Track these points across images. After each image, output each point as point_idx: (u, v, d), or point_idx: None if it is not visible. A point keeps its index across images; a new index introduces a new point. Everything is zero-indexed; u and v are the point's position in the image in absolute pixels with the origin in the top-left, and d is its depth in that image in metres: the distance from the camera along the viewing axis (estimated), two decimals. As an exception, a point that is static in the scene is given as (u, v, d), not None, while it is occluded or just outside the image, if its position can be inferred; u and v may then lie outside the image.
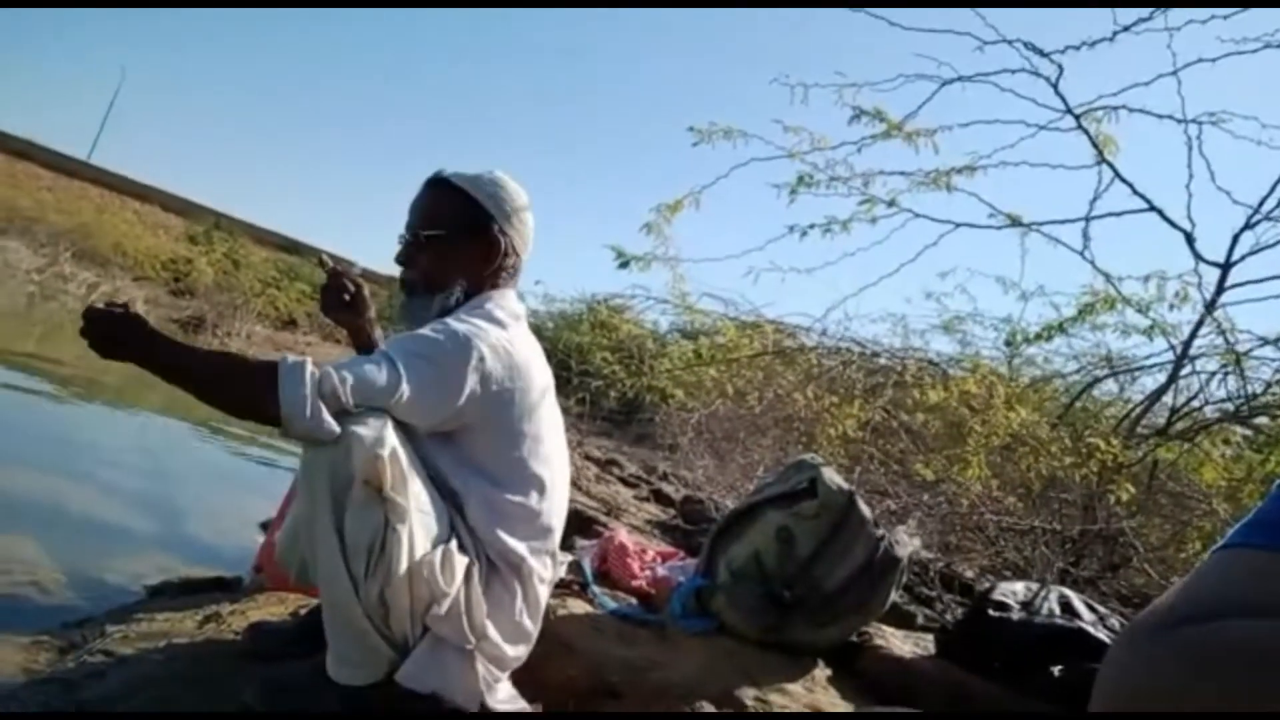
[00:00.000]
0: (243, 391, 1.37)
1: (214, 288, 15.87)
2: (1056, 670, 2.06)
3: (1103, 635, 2.14)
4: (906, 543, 2.27)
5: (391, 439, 1.37)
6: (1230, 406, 4.04)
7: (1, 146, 18.29)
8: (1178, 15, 2.79)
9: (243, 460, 4.94)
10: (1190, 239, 3.41)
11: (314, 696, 1.42)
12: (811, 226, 3.55)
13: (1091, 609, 2.27)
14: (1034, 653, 2.11)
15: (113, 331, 1.38)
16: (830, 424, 4.24)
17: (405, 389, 1.40)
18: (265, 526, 3.08)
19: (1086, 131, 3.24)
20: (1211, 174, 3.19)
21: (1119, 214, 3.41)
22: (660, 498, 5.47)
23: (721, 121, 3.58)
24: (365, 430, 1.34)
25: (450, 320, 1.51)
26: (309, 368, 1.34)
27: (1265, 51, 2.89)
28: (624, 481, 6.17)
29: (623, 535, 2.71)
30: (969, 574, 4.05)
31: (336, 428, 1.33)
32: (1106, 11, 2.81)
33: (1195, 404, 4.23)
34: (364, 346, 1.86)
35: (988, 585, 2.67)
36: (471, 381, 1.46)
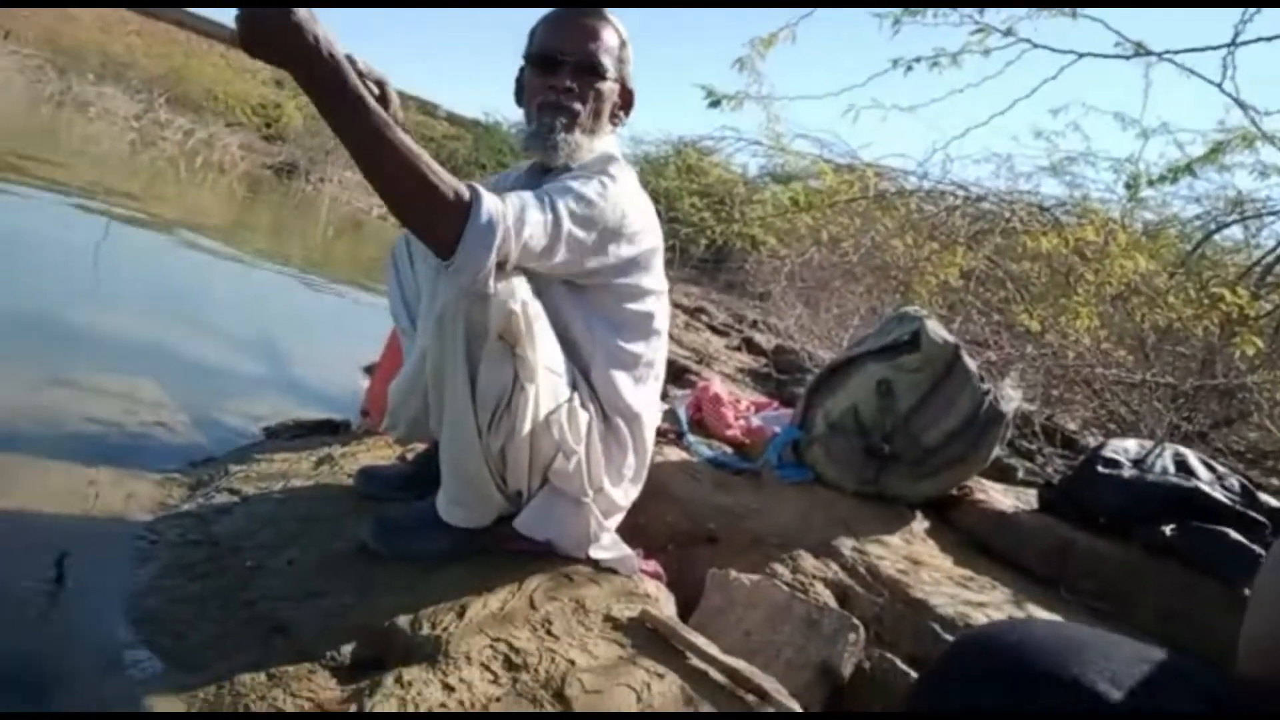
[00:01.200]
0: (422, 219, 1.25)
1: (303, 133, 15.97)
2: (1169, 529, 2.01)
3: (1220, 495, 2.05)
4: (1012, 397, 2.20)
5: (525, 293, 1.35)
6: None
7: (85, -13, 18.32)
8: None
9: (342, 302, 5.08)
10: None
11: (424, 535, 1.48)
12: (918, 60, 3.28)
13: (1209, 467, 2.18)
14: (1144, 511, 2.05)
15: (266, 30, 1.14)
16: (930, 272, 4.08)
17: (561, 251, 1.36)
18: (369, 370, 3.18)
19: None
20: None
21: (1270, 39, 3.03)
22: (751, 346, 5.44)
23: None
24: (502, 284, 1.32)
25: (607, 180, 1.45)
26: (498, 231, 1.26)
27: None
28: (713, 329, 6.15)
29: (717, 385, 2.70)
30: (1072, 427, 3.96)
31: (494, 288, 1.30)
32: None
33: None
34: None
35: (1098, 442, 2.59)
36: (619, 246, 1.44)
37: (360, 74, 1.23)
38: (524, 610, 1.37)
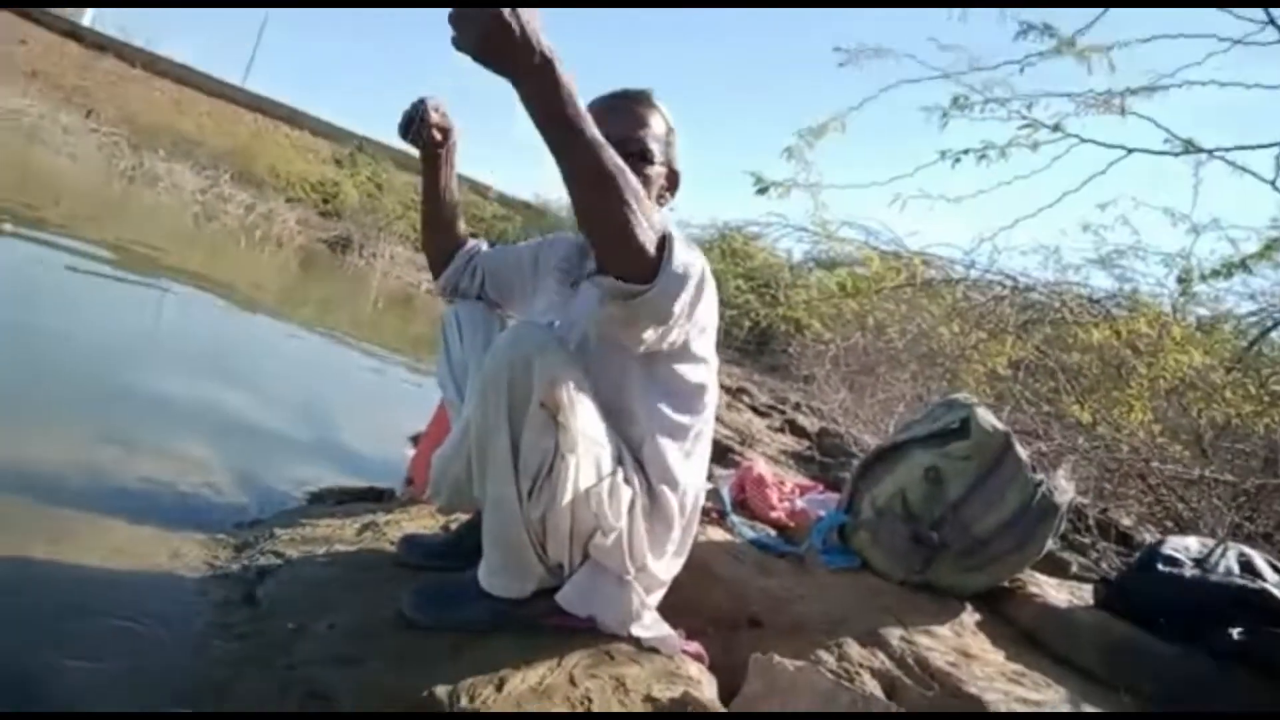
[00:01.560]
0: (623, 243, 1.19)
1: (359, 209, 16.53)
2: (1236, 632, 1.91)
3: (1289, 598, 1.96)
4: (1066, 489, 2.14)
5: (566, 361, 1.36)
6: None
7: (166, 72, 19.39)
8: None
9: (387, 376, 5.15)
10: None
11: (464, 605, 1.46)
12: (966, 152, 3.31)
13: (1276, 569, 2.08)
14: (1208, 611, 1.96)
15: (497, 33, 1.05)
16: (978, 361, 4.04)
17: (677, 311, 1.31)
18: (414, 440, 3.20)
19: (1295, 40, 2.87)
20: None
21: (1326, 137, 3.02)
22: (794, 429, 5.39)
23: (871, 41, 3.36)
24: (545, 351, 1.33)
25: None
26: (691, 279, 1.26)
27: None
28: (755, 410, 6.12)
29: (761, 466, 2.68)
30: (1126, 522, 3.83)
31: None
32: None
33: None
34: (433, 173, 1.77)
35: (1155, 539, 2.50)
36: (696, 311, 1.39)
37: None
38: (564, 686, 1.34)
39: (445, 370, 1.75)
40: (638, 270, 1.22)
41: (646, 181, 1.59)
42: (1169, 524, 3.60)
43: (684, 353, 1.50)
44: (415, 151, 1.77)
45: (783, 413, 6.12)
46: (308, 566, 1.67)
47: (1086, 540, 3.27)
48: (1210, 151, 3.39)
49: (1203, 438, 3.74)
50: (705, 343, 1.54)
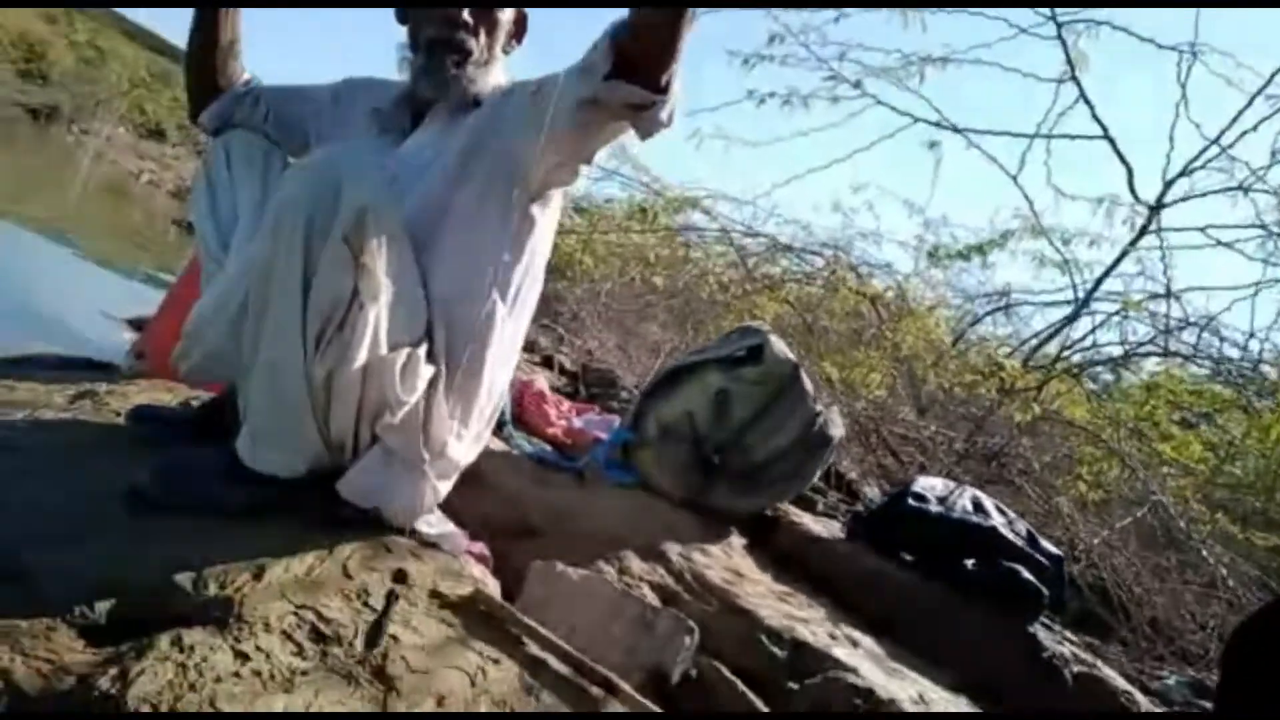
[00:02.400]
0: (675, 57, 1.18)
1: (72, 76, 14.24)
2: (970, 564, 2.08)
3: (1012, 536, 2.16)
4: (839, 424, 2.22)
5: (382, 196, 1.16)
6: (1120, 351, 4.21)
7: None
8: None
9: (88, 263, 4.42)
10: (1131, 176, 3.44)
11: (217, 483, 1.22)
12: (771, 94, 3.37)
13: (1001, 511, 2.29)
14: (948, 546, 2.12)
15: None
16: (742, 311, 4.17)
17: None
18: (133, 323, 2.76)
19: (1064, 42, 3.18)
20: (1186, 105, 3.19)
21: (1073, 137, 3.39)
22: (550, 365, 5.31)
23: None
24: (361, 176, 1.12)
25: None
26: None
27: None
28: (515, 345, 5.95)
29: (541, 381, 2.57)
30: (852, 475, 4.14)
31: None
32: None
33: (1085, 344, 4.40)
34: (209, 33, 1.50)
35: (896, 485, 2.68)
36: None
37: None
38: (337, 578, 1.16)
39: (205, 214, 1.44)
40: (661, 73, 1.19)
41: (496, 27, 1.44)
42: (888, 480, 3.94)
43: (550, 205, 1.44)
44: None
45: (540, 350, 6.01)
46: (4, 430, 1.34)
47: (821, 486, 3.48)
48: (975, 133, 3.69)
49: (922, 401, 4.10)
50: (556, 206, 1.45)
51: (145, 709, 0.83)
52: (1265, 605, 1.69)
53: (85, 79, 13.82)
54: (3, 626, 0.93)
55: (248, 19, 1.55)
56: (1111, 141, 3.37)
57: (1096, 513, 3.37)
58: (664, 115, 1.23)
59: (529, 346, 6.76)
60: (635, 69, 1.18)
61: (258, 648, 0.97)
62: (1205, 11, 3.11)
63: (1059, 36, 3.16)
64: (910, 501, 2.18)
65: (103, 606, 1.01)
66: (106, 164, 11.17)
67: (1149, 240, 3.61)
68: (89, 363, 1.92)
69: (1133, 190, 3.50)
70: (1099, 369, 4.59)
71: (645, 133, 1.28)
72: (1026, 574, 2.03)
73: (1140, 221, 3.54)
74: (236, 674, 0.92)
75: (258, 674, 0.93)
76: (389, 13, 1.51)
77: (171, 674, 0.88)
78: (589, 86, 1.21)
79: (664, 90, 1.20)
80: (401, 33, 1.48)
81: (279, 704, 0.90)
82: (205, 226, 1.45)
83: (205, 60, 1.52)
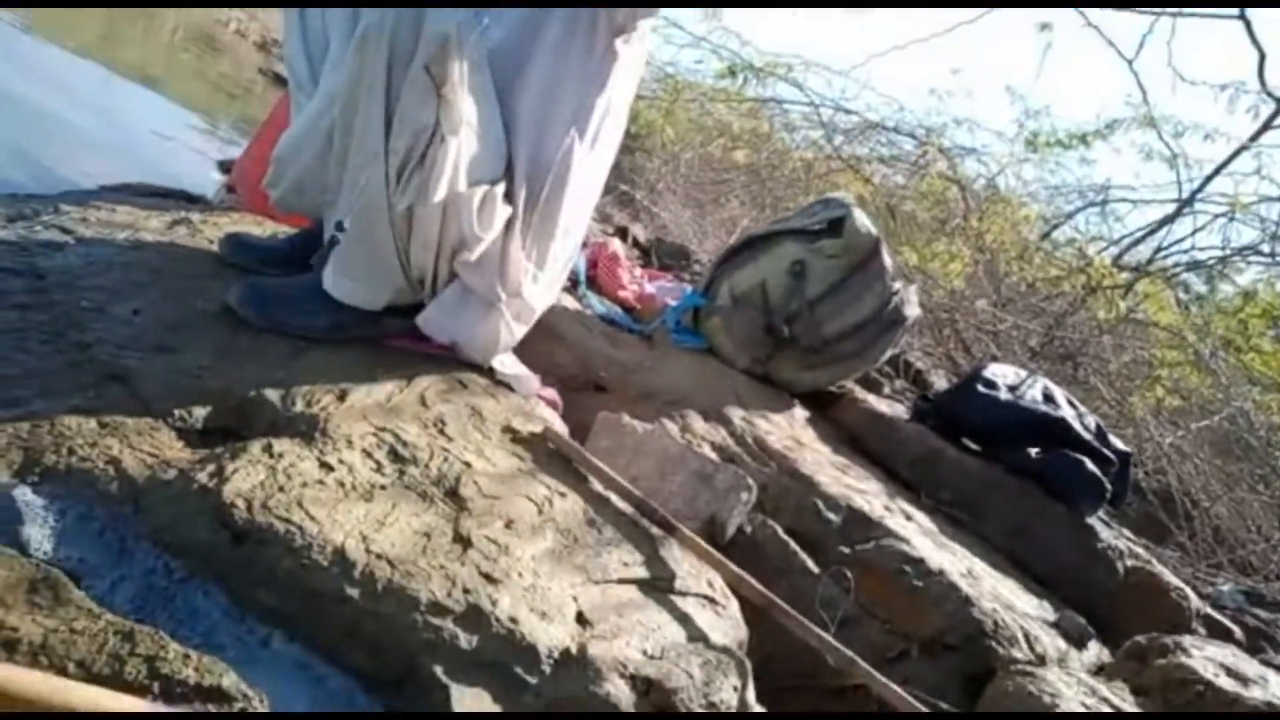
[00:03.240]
0: None
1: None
2: (1034, 452, 2.07)
3: (1081, 429, 2.14)
4: (914, 304, 2.19)
5: (467, 20, 1.15)
6: (1220, 254, 4.01)
7: None
8: None
9: (178, 109, 4.46)
10: (1262, 63, 3.19)
11: (304, 308, 1.27)
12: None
13: (1072, 404, 2.26)
14: (1015, 432, 2.11)
15: None
16: (826, 191, 4.06)
17: None
18: (223, 166, 2.82)
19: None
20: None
21: (1204, 14, 3.14)
22: (624, 237, 5.29)
23: None
24: (443, 6, 1.11)
25: None
26: None
27: None
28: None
29: (616, 244, 2.57)
30: (921, 365, 4.10)
31: None
32: None
33: (1184, 246, 4.19)
34: None
35: (975, 364, 2.65)
36: None
37: None
38: (414, 406, 1.21)
39: (297, 45, 1.44)
40: None
41: None
42: (956, 373, 3.88)
43: (635, 38, 1.39)
44: None
45: (613, 221, 5.98)
46: (105, 247, 1.40)
47: (889, 371, 3.46)
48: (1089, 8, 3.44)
49: (1002, 294, 3.99)
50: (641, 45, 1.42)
51: (240, 503, 0.89)
52: None
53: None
54: (113, 420, 1.00)
55: None
56: (1246, 22, 3.11)
57: (1171, 419, 3.29)
58: None
59: (604, 217, 6.74)
60: None
61: (340, 460, 1.03)
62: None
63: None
64: (979, 387, 2.17)
65: (200, 412, 1.08)
66: (196, 12, 11.13)
67: (1272, 136, 3.37)
68: (183, 194, 1.98)
69: (1262, 79, 3.25)
70: (1194, 274, 4.40)
71: None
72: (1091, 466, 2.02)
73: (1266, 113, 3.29)
74: (321, 481, 0.98)
75: (341, 484, 0.99)
76: None
77: (263, 475, 0.95)
78: None
79: None
80: None
81: (359, 511, 0.96)
82: (295, 54, 1.46)
83: None
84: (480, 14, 1.30)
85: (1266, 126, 3.32)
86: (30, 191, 1.72)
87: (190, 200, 1.94)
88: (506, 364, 1.41)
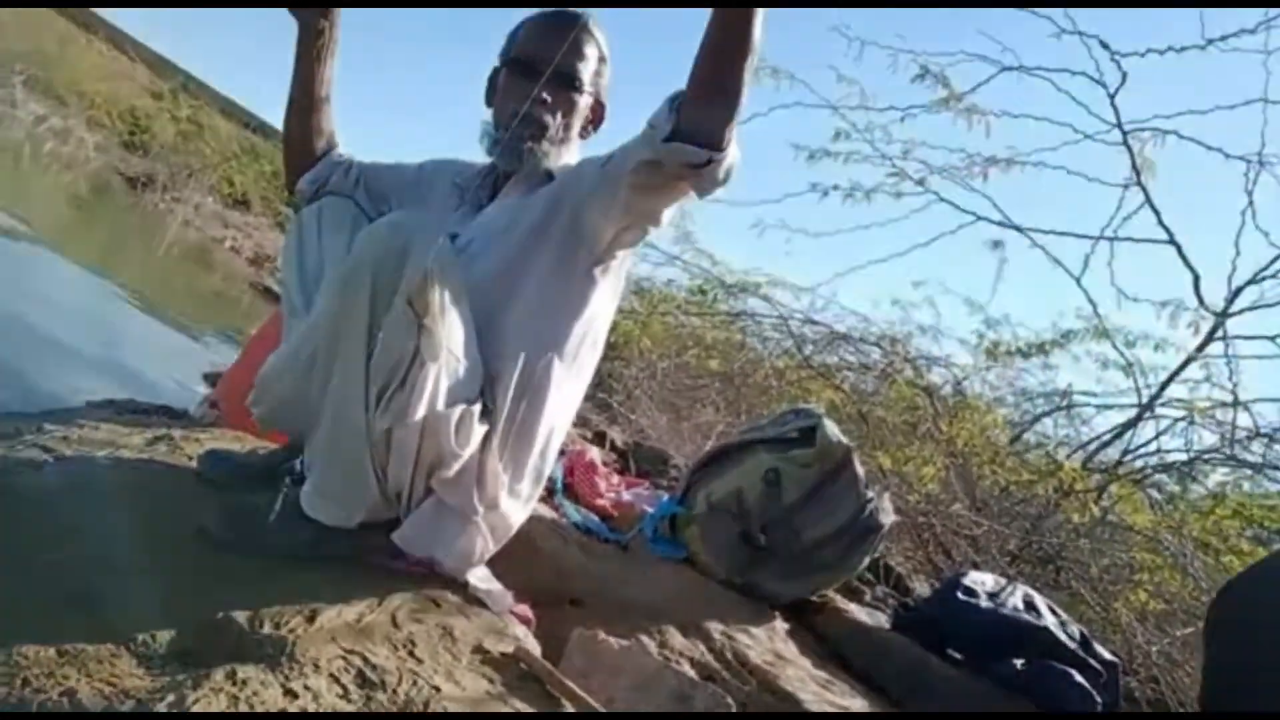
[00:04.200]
0: (736, 109, 1.23)
1: (170, 148, 15.06)
2: (1019, 663, 2.03)
3: (1065, 639, 2.10)
4: (888, 511, 2.20)
5: (447, 259, 1.23)
6: (1185, 456, 4.09)
7: (-34, -46, 17.05)
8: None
9: (167, 323, 4.60)
10: (1197, 282, 3.41)
11: (279, 528, 1.28)
12: (835, 187, 3.46)
13: (1054, 611, 2.24)
14: (998, 643, 2.07)
15: None
16: (798, 398, 4.17)
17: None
18: (208, 379, 2.88)
19: (1130, 150, 3.21)
20: (1254, 213, 3.18)
21: (1138, 240, 3.39)
22: (602, 441, 5.34)
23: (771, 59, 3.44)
24: (426, 241, 1.20)
25: None
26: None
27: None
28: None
29: (593, 453, 2.60)
30: (902, 569, 4.05)
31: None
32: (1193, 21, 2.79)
33: (1149, 449, 4.28)
34: (311, 59, 1.59)
35: (943, 579, 2.63)
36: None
37: None
38: (385, 626, 1.19)
39: (294, 274, 1.53)
40: (720, 132, 1.23)
41: (574, 109, 1.53)
42: (938, 577, 3.84)
43: (615, 266, 1.49)
44: (292, 41, 1.58)
45: (591, 426, 6.06)
46: (84, 466, 1.42)
47: (869, 578, 3.41)
48: (1038, 233, 3.70)
49: (977, 497, 4.02)
50: (620, 273, 1.52)
51: (198, 735, 0.86)
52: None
53: (182, 151, 14.57)
54: (71, 649, 0.97)
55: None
56: (1178, 247, 3.36)
57: (1157, 623, 3.24)
58: (720, 173, 1.27)
59: (582, 423, 6.83)
60: (694, 130, 1.23)
61: (306, 687, 1.00)
62: (1275, 121, 3.11)
63: (1125, 144, 3.20)
64: (959, 595, 2.15)
65: (164, 637, 1.06)
66: (193, 230, 11.66)
67: (1216, 347, 3.54)
68: (166, 410, 2.02)
69: (1199, 296, 3.46)
70: (1163, 476, 4.46)
71: (703, 190, 1.32)
72: (1079, 678, 1.97)
73: (1206, 327, 3.47)
74: (284, 710, 0.95)
75: (305, 711, 0.96)
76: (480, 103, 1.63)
77: (224, 704, 0.92)
78: (650, 149, 1.26)
79: (721, 148, 1.24)
80: (488, 114, 1.58)
81: (323, 742, 0.92)
82: (291, 281, 1.55)
83: (304, 122, 1.65)
84: (468, 246, 1.40)
85: (1209, 339, 3.50)
86: (18, 409, 1.75)
87: (173, 416, 1.97)
88: (481, 578, 1.40)
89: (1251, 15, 2.80)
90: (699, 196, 1.32)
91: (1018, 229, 3.57)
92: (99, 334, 3.30)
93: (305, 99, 1.61)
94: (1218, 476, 4.30)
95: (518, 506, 1.43)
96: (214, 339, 4.72)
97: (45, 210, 6.61)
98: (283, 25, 1.59)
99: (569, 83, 1.51)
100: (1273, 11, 2.79)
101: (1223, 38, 2.85)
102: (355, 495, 1.28)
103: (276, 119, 1.61)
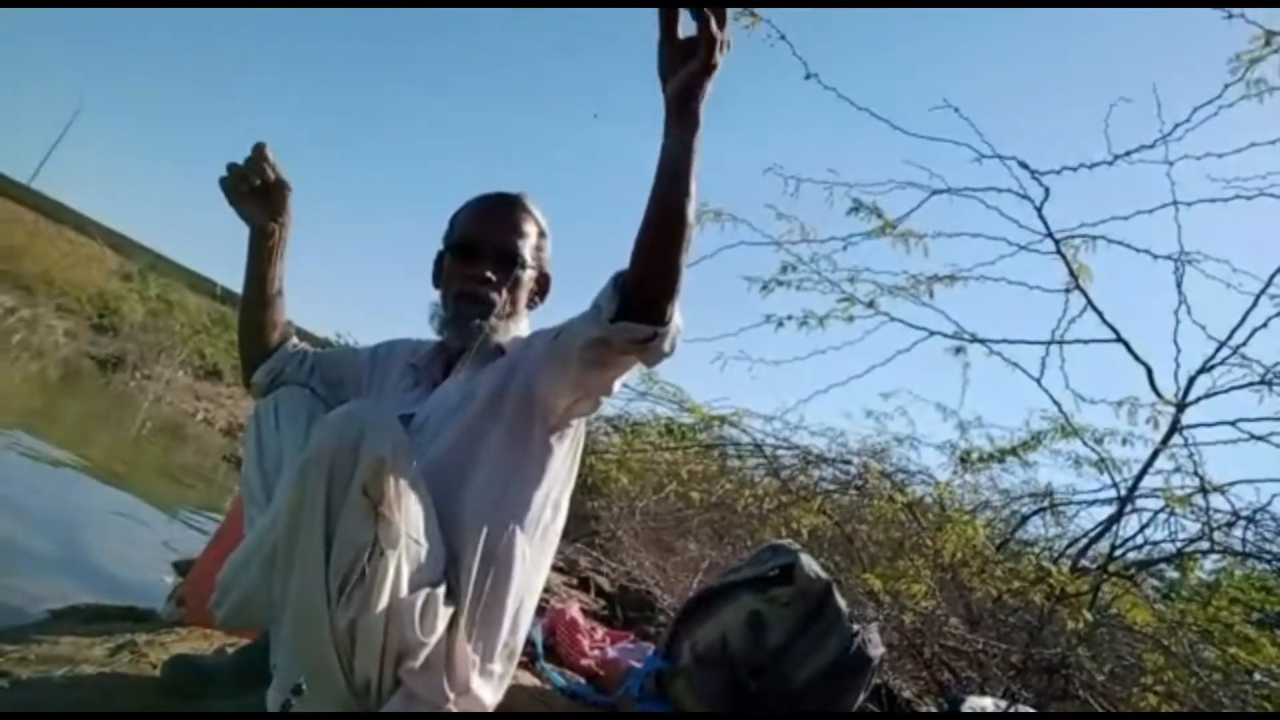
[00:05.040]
0: (676, 272, 1.26)
1: (140, 328, 15.19)
2: (1028, 792, 1.95)
3: (1073, 760, 2.04)
4: (878, 643, 2.16)
5: (399, 448, 1.25)
6: (1173, 548, 4.07)
7: (-65, 157, 17.59)
8: (1176, 148, 2.93)
9: (139, 505, 4.54)
10: (1151, 375, 3.48)
11: (248, 739, 1.24)
12: (789, 317, 3.55)
13: (1060, 732, 2.17)
14: (1005, 771, 2.00)
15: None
16: (781, 525, 4.14)
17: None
18: (177, 567, 2.82)
19: (1064, 257, 3.33)
20: (1188, 309, 3.29)
21: (1086, 342, 3.48)
22: (587, 587, 5.23)
23: (712, 203, 3.58)
24: (379, 430, 1.22)
25: None
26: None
27: (1239, 200, 3.01)
28: (552, 567, 5.87)
29: (574, 610, 2.55)
30: (907, 694, 3.93)
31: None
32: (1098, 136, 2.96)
33: (1137, 542, 4.26)
34: (262, 258, 1.62)
35: (953, 697, 2.57)
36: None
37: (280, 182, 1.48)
38: (359, 834, 1.14)
39: (253, 465, 1.54)
40: (663, 308, 1.27)
41: (518, 285, 1.59)
42: (945, 698, 3.73)
43: (570, 433, 1.52)
44: (239, 234, 1.63)
45: (576, 573, 5.94)
46: (41, 689, 1.37)
47: (872, 709, 3.31)
48: (998, 341, 3.80)
49: (973, 611, 3.95)
50: (575, 439, 1.54)
51: None
52: None
53: (152, 329, 14.70)
54: None
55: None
56: (1125, 344, 3.45)
57: (1173, 726, 3.14)
58: (666, 345, 1.31)
59: (567, 568, 6.69)
60: (638, 309, 1.27)
61: None
62: (1189, 223, 3.26)
63: (1058, 251, 3.33)
64: (961, 725, 2.09)
65: None
66: (165, 405, 11.60)
67: (1180, 436, 3.59)
68: (131, 611, 1.97)
69: (1154, 388, 3.53)
70: (1156, 568, 4.43)
71: (650, 362, 1.36)
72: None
73: (1166, 419, 3.53)
74: None
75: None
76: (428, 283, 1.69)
77: None
78: (598, 328, 1.30)
79: (665, 322, 1.29)
80: (435, 295, 1.64)
81: None
82: (251, 473, 1.55)
83: (258, 318, 1.69)
84: (424, 424, 1.42)
85: (1172, 431, 3.55)
86: (-26, 627, 1.70)
87: (138, 619, 1.93)
88: (458, 764, 1.35)
89: (1150, 131, 3.00)
90: (647, 366, 1.37)
91: (971, 340, 3.66)
92: (63, 531, 3.25)
93: (258, 295, 1.66)
94: (1210, 563, 4.28)
95: (491, 687, 1.39)
96: (187, 517, 4.64)
97: (14, 399, 6.58)
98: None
99: (511, 260, 1.58)
100: (1168, 128, 2.98)
101: (1127, 153, 3.03)
102: (323, 691, 1.25)
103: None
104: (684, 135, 1.20)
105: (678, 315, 1.30)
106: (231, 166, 1.53)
